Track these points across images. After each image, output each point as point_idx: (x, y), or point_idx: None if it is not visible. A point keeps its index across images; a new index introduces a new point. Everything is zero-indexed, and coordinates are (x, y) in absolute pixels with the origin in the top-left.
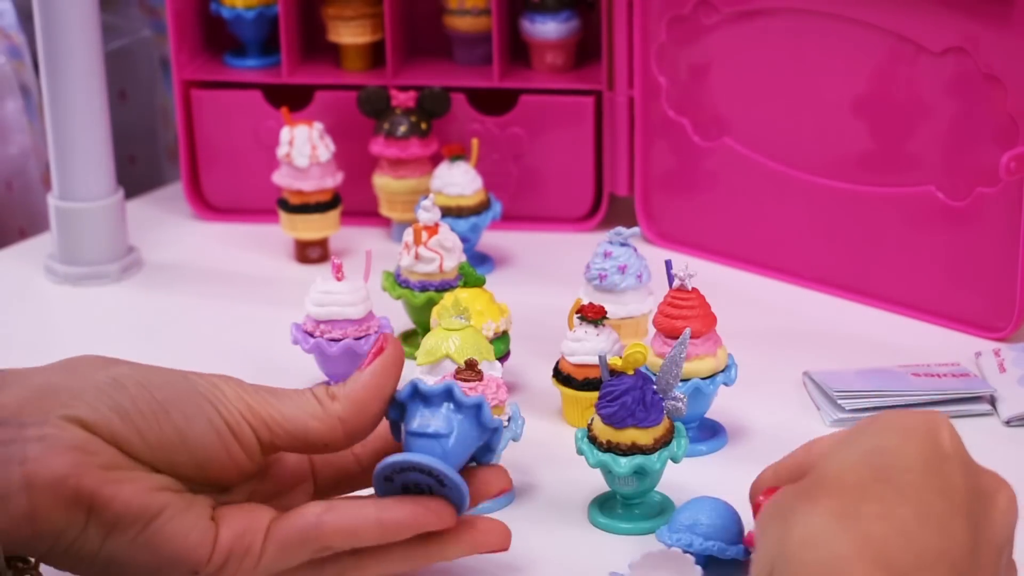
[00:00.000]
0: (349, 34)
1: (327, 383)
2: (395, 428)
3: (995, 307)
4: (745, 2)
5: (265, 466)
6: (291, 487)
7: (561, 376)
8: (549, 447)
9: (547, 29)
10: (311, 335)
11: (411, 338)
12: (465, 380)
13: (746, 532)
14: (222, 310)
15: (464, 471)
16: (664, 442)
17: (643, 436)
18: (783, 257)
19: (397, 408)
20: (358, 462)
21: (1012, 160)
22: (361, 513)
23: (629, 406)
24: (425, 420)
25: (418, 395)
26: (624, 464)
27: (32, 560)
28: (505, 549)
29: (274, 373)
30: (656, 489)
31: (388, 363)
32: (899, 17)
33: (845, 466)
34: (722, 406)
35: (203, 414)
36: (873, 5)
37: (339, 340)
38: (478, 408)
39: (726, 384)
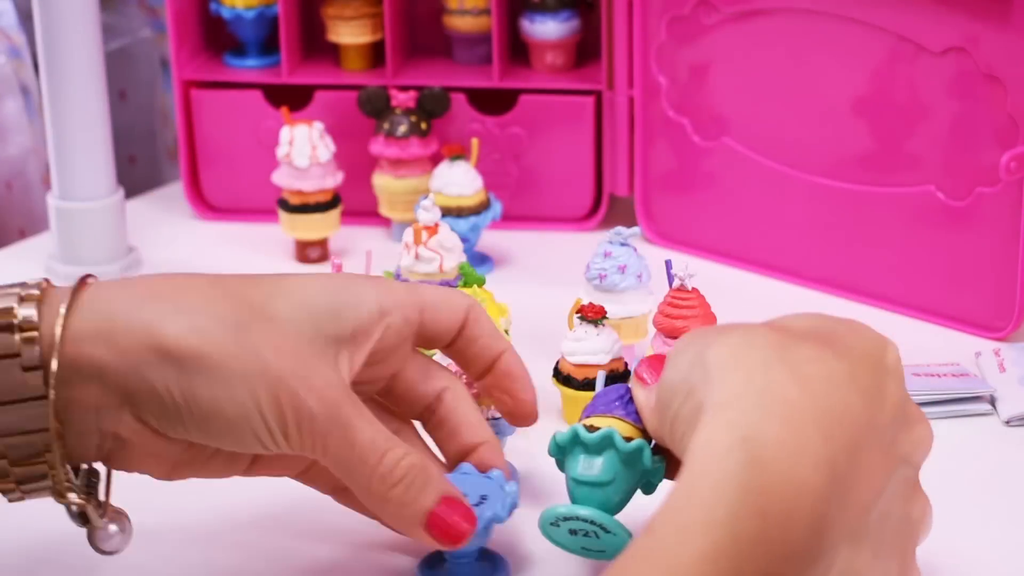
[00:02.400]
0: (349, 34)
1: None
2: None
3: (995, 307)
4: (745, 2)
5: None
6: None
7: (561, 376)
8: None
9: (547, 29)
10: None
11: None
12: None
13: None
14: None
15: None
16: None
17: (625, 428)
18: (783, 257)
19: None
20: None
21: (1012, 160)
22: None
23: (616, 398)
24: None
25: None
26: (594, 437)
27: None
28: None
29: None
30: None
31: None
32: (899, 17)
33: (792, 320)
34: None
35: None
36: (873, 5)
37: None
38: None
39: None
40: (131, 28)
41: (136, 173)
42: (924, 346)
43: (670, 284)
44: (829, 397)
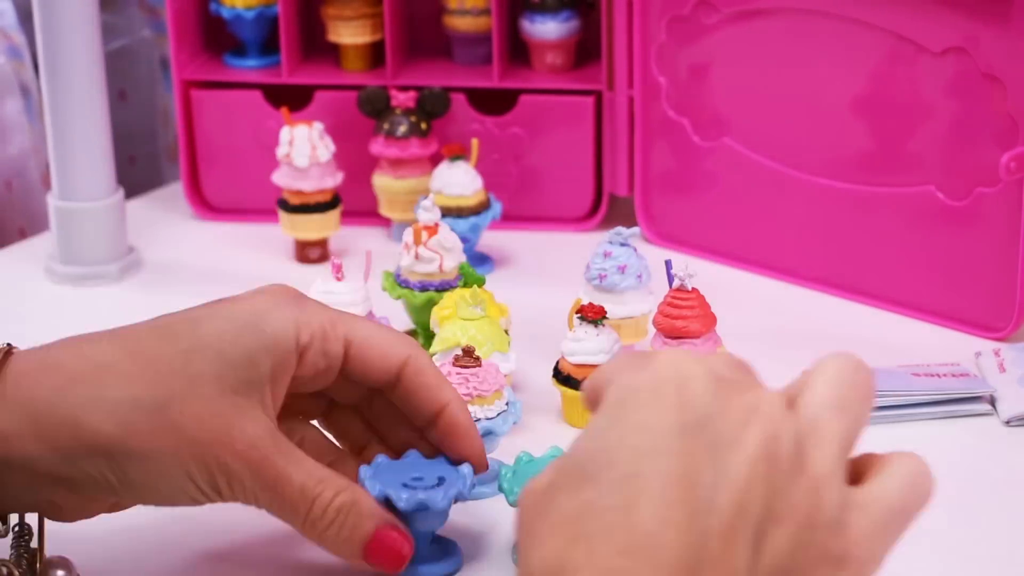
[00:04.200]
0: (349, 34)
1: None
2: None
3: (995, 307)
4: (745, 2)
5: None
6: None
7: (561, 376)
8: (548, 447)
9: (547, 29)
10: None
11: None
12: (464, 367)
13: None
14: None
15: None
16: None
17: None
18: (783, 257)
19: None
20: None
21: (1012, 160)
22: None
23: None
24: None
25: (393, 510)
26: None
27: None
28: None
29: None
30: None
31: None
32: (899, 17)
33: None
34: None
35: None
36: (873, 5)
37: None
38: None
39: None
40: (131, 28)
41: (136, 173)
42: (924, 346)
43: (670, 284)
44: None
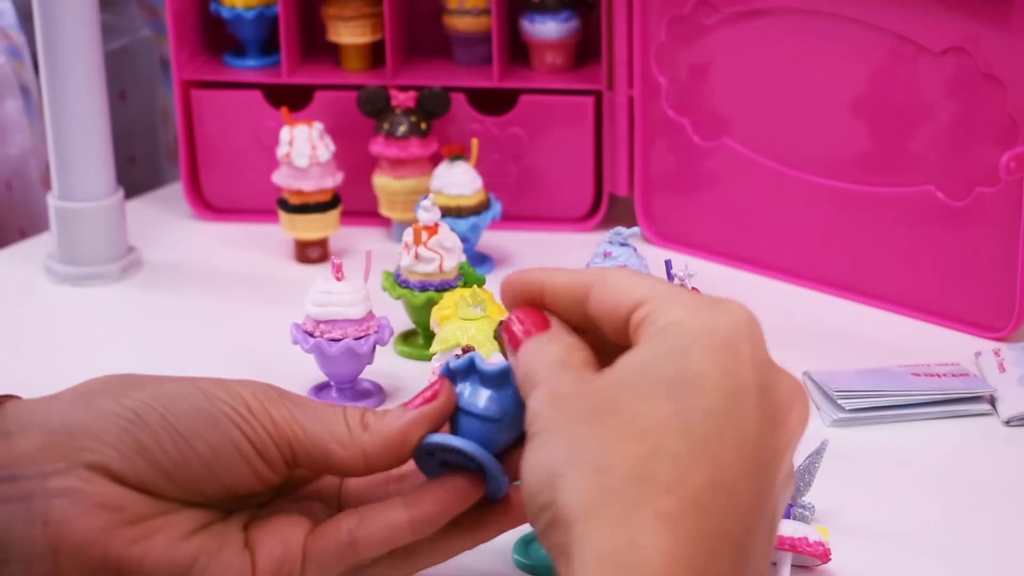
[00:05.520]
0: (349, 34)
1: (363, 398)
2: (420, 462)
3: (995, 307)
4: (745, 2)
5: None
6: (315, 478)
7: None
8: None
9: (547, 29)
10: (311, 335)
11: (411, 338)
12: None
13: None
14: (222, 310)
15: (503, 451)
16: None
17: None
18: (783, 257)
19: (449, 374)
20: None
21: (1012, 160)
22: (392, 518)
23: None
24: (477, 399)
25: (474, 371)
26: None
27: None
28: None
29: (274, 373)
30: None
31: (433, 413)
32: (899, 17)
33: (642, 408)
34: None
35: (229, 440)
36: (873, 5)
37: (339, 340)
38: None
39: None
40: (131, 28)
41: (136, 173)
42: (924, 346)
43: None
44: (704, 523)
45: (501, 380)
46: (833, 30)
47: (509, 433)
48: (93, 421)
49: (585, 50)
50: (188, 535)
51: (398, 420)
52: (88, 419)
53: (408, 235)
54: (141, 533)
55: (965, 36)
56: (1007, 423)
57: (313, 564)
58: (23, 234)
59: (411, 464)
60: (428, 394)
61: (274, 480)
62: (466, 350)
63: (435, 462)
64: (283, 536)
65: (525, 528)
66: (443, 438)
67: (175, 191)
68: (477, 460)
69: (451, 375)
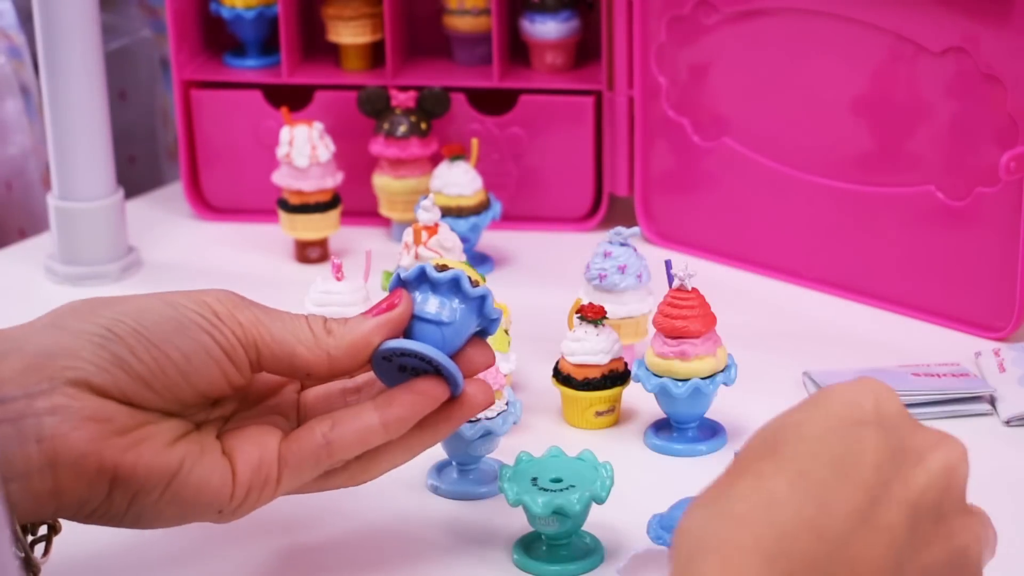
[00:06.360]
0: (349, 34)
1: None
2: (378, 367)
3: (995, 307)
4: (745, 2)
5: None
6: (280, 388)
7: (561, 376)
8: (548, 447)
9: (547, 29)
10: None
11: None
12: None
13: None
14: None
15: (455, 353)
16: None
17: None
18: (783, 257)
19: (401, 284)
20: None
21: (1012, 160)
22: (364, 421)
23: None
24: (430, 306)
25: (426, 280)
26: (542, 504)
27: (51, 523)
28: (492, 404)
29: None
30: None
31: (395, 319)
32: (899, 17)
33: (749, 445)
34: (722, 406)
35: (199, 345)
36: (873, 5)
37: None
38: (483, 300)
39: (726, 384)
40: (131, 28)
41: (136, 173)
42: (924, 346)
43: (670, 284)
44: (768, 526)
45: (451, 287)
46: (833, 30)
47: (460, 336)
48: (69, 341)
49: (585, 50)
50: (172, 442)
51: (361, 326)
52: (64, 340)
53: (408, 235)
54: (131, 442)
55: (965, 36)
56: (1007, 423)
57: (289, 467)
58: (23, 234)
59: (366, 376)
60: (387, 304)
61: (242, 382)
62: (440, 269)
63: (392, 367)
64: (258, 442)
65: (525, 528)
66: (403, 343)
67: (175, 191)
68: (435, 362)
69: (403, 284)
